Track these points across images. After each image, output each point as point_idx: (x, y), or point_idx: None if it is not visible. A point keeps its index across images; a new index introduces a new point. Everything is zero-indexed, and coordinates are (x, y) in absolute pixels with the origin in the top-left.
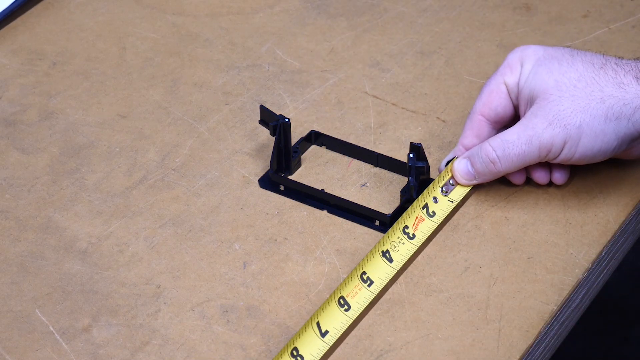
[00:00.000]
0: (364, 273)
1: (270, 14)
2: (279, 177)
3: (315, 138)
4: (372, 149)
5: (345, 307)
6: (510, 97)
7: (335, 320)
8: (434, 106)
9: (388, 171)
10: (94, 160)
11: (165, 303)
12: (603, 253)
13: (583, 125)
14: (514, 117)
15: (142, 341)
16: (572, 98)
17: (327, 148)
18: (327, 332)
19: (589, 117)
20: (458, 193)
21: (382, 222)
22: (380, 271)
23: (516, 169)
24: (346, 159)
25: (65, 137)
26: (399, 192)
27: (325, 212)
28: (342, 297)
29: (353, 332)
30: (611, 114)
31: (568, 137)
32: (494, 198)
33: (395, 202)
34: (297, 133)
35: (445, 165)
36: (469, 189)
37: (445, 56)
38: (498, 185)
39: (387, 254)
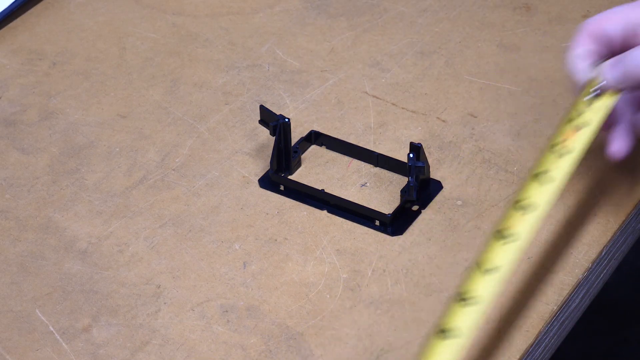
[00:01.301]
0: (521, 200)
1: (270, 14)
2: (279, 177)
3: (315, 138)
4: (372, 149)
5: (507, 238)
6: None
7: (499, 257)
8: (434, 106)
9: (388, 171)
10: (94, 160)
11: (165, 303)
12: (603, 253)
13: None
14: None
15: (142, 341)
16: None
17: (327, 148)
18: (493, 268)
19: None
20: (604, 102)
21: (382, 222)
22: (540, 195)
23: None
24: (346, 159)
25: (65, 137)
26: (399, 192)
27: (325, 212)
28: (500, 230)
29: (353, 332)
30: None
31: None
32: (494, 198)
33: (395, 202)
34: (297, 133)
35: (587, 78)
36: (616, 96)
37: (445, 56)
38: (498, 185)
39: (542, 176)
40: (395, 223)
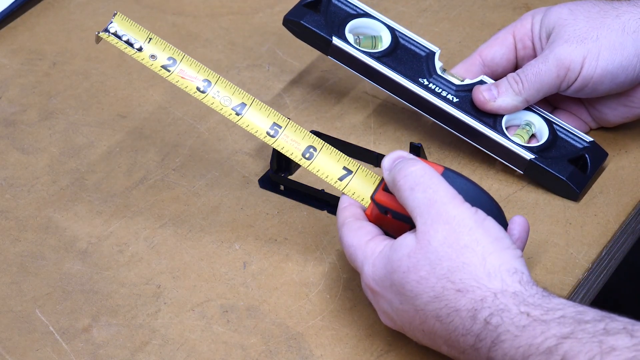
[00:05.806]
0: None
1: (270, 14)
2: (279, 177)
3: None
4: (372, 149)
5: None
6: (516, 49)
7: None
8: None
9: None
10: (94, 160)
11: (165, 303)
12: (603, 253)
13: (601, 38)
14: (511, 71)
15: (142, 341)
16: (587, 20)
17: None
18: None
19: (606, 30)
20: None
21: None
22: None
23: (538, 92)
24: None
25: (65, 137)
26: None
27: (325, 212)
28: None
29: (353, 332)
30: (628, 27)
31: (587, 51)
32: (494, 198)
33: None
34: None
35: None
36: None
37: (445, 56)
38: (498, 185)
39: None
40: None
